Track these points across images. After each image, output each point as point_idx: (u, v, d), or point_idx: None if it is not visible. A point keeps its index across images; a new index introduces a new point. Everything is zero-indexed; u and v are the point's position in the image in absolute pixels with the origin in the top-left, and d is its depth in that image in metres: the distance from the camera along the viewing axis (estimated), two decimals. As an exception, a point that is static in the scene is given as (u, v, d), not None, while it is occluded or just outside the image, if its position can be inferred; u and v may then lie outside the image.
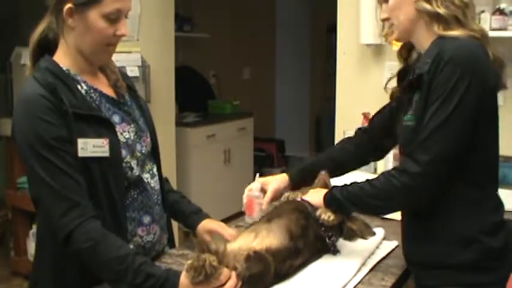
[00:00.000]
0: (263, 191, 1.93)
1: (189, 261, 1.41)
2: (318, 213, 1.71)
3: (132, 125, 1.73)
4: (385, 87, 1.85)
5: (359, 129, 2.03)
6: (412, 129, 1.58)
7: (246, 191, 1.94)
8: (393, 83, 1.81)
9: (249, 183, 1.97)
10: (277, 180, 1.94)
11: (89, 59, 1.64)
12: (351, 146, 2.00)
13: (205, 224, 1.88)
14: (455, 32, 1.55)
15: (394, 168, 1.58)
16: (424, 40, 1.62)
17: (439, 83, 1.49)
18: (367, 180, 1.63)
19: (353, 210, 1.71)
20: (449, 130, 1.49)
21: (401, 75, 1.77)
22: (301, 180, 1.96)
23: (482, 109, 1.52)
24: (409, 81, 1.63)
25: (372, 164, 2.95)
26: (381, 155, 2.07)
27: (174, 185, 4.18)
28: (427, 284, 1.65)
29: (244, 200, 1.93)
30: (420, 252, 1.66)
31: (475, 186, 1.58)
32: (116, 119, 1.68)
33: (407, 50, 1.75)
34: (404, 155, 1.57)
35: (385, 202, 1.60)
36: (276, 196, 1.92)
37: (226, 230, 1.83)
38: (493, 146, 1.62)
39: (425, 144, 1.50)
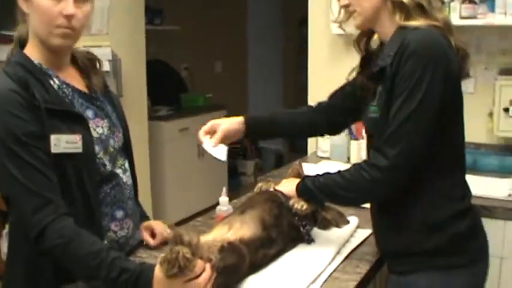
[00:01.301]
0: (213, 131, 1.87)
1: (163, 254, 1.40)
2: (291, 202, 1.72)
3: (105, 120, 1.71)
4: (347, 79, 1.84)
5: (319, 103, 2.01)
6: (376, 121, 1.59)
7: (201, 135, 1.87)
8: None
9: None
10: (229, 121, 1.89)
11: (46, 45, 1.59)
12: (311, 115, 1.98)
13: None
14: (416, 22, 1.54)
15: (364, 161, 1.59)
16: (386, 29, 1.61)
17: (404, 76, 1.49)
18: (339, 171, 1.64)
19: (325, 200, 1.72)
20: (416, 122, 1.49)
21: (363, 64, 1.76)
22: (255, 130, 1.92)
23: (448, 99, 1.52)
24: (371, 73, 1.63)
25: (345, 153, 2.97)
26: (335, 131, 2.08)
27: (147, 179, 4.18)
28: (398, 271, 1.67)
29: (201, 139, 1.86)
30: (389, 241, 1.68)
31: (443, 175, 1.59)
32: (89, 114, 1.67)
33: (366, 37, 1.74)
34: (372, 148, 1.58)
35: (356, 194, 1.62)
36: (226, 136, 1.86)
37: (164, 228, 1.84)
38: (459, 134, 1.64)
39: (393, 138, 1.51)
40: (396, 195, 1.58)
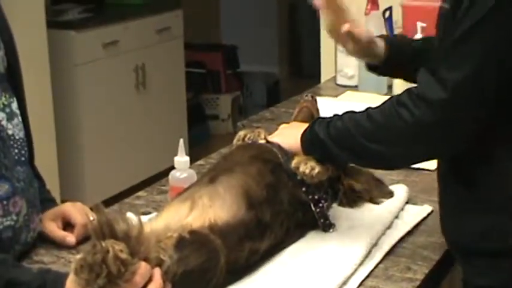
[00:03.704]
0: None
1: (80, 256, 1.41)
2: (293, 163, 1.74)
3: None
4: None
5: None
6: (445, 17, 1.60)
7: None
8: None
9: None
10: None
11: None
12: None
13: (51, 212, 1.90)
14: None
15: (407, 92, 1.60)
16: None
17: None
18: (368, 109, 1.66)
19: (346, 159, 1.74)
20: (497, 30, 1.50)
21: None
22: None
23: None
24: None
25: (386, 80, 2.97)
26: None
27: (50, 131, 4.16)
28: (478, 284, 1.68)
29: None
30: (460, 226, 1.68)
31: None
32: None
33: None
34: (423, 69, 1.59)
35: (389, 147, 1.63)
36: None
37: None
38: None
39: (457, 55, 1.53)
40: (461, 152, 1.60)
